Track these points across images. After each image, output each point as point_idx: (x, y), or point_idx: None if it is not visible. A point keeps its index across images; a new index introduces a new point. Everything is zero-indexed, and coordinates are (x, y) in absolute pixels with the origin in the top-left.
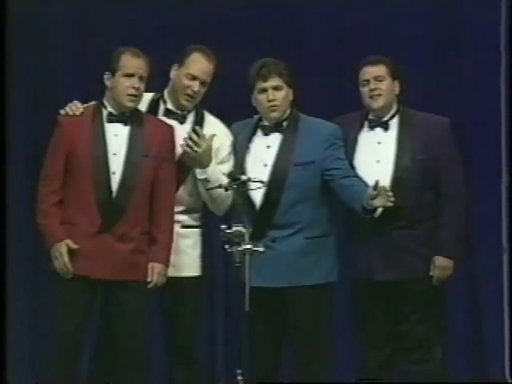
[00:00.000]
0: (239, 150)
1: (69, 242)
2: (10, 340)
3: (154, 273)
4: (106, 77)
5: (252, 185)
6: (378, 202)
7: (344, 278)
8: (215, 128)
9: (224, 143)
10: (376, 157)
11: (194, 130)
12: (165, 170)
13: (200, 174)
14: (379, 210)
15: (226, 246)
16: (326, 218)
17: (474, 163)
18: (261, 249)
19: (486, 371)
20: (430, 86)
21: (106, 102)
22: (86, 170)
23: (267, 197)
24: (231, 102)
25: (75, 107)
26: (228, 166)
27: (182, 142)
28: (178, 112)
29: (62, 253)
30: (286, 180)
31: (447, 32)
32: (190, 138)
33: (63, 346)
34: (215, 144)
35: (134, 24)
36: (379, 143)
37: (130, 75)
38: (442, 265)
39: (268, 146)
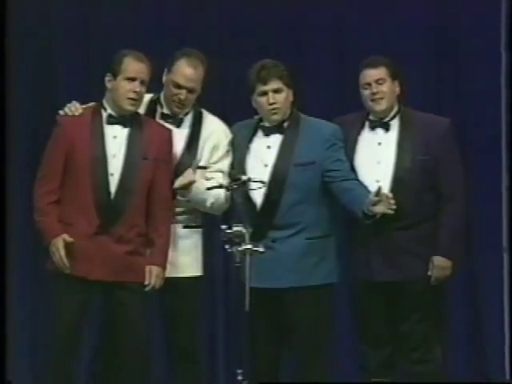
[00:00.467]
0: (239, 151)
1: (65, 236)
2: (10, 340)
3: (152, 275)
4: (107, 79)
5: (252, 185)
6: (378, 208)
7: (344, 278)
8: (213, 126)
9: (222, 142)
10: (376, 157)
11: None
12: (163, 172)
13: (181, 195)
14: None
15: (227, 246)
16: (327, 218)
17: (474, 163)
18: (261, 249)
19: (486, 371)
20: (430, 86)
21: (105, 104)
22: (84, 170)
23: (268, 197)
24: (232, 102)
25: (74, 108)
26: (226, 163)
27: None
28: (174, 116)
29: (58, 247)
30: (287, 180)
31: (447, 32)
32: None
33: (61, 346)
34: (213, 141)
35: (135, 24)
36: (379, 144)
37: (132, 79)
38: (440, 265)
39: (268, 147)
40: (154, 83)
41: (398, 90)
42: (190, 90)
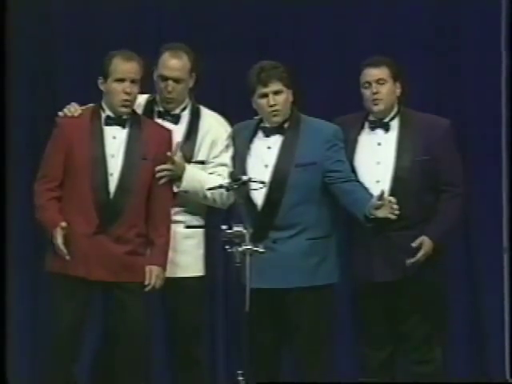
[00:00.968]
0: (240, 152)
1: (62, 223)
2: (10, 340)
3: (152, 275)
4: (99, 82)
5: (253, 185)
6: (381, 212)
7: (344, 278)
8: (211, 121)
9: (221, 136)
10: (376, 158)
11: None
12: None
13: (176, 186)
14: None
15: (227, 247)
16: (328, 219)
17: (474, 163)
18: (261, 249)
19: (486, 371)
20: (430, 86)
21: (104, 105)
22: (83, 171)
23: (268, 198)
24: (232, 102)
25: (73, 109)
26: (227, 157)
27: (159, 174)
28: (169, 113)
29: (55, 236)
30: (287, 181)
31: (447, 32)
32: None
33: (61, 346)
34: (211, 136)
35: (134, 25)
36: (379, 144)
37: (121, 80)
38: (428, 249)
39: (269, 147)
40: (153, 84)
41: (398, 91)
42: (176, 80)
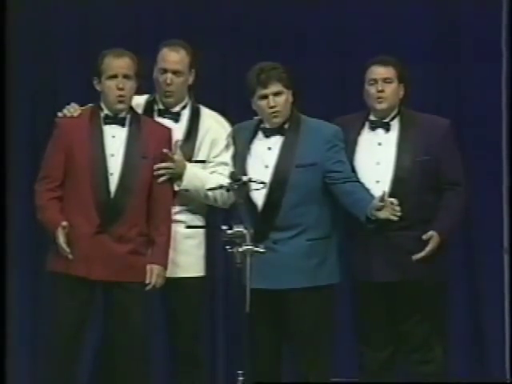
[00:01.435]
0: (240, 152)
1: (63, 223)
2: (10, 340)
3: (153, 275)
4: (94, 82)
5: (253, 185)
6: (382, 214)
7: (344, 278)
8: (211, 120)
9: (220, 135)
10: (376, 158)
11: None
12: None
13: (177, 185)
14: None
15: (227, 247)
16: (328, 219)
17: (474, 163)
18: (262, 249)
19: (486, 371)
20: (430, 86)
21: (102, 105)
22: (83, 171)
23: (269, 198)
24: (232, 102)
25: (73, 109)
26: (227, 156)
27: (159, 172)
28: (169, 110)
29: (57, 236)
30: (288, 182)
31: (447, 32)
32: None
33: (61, 346)
34: (211, 136)
35: (135, 24)
36: (380, 144)
37: (114, 76)
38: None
39: (269, 148)
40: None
41: (401, 93)
42: (175, 72)
